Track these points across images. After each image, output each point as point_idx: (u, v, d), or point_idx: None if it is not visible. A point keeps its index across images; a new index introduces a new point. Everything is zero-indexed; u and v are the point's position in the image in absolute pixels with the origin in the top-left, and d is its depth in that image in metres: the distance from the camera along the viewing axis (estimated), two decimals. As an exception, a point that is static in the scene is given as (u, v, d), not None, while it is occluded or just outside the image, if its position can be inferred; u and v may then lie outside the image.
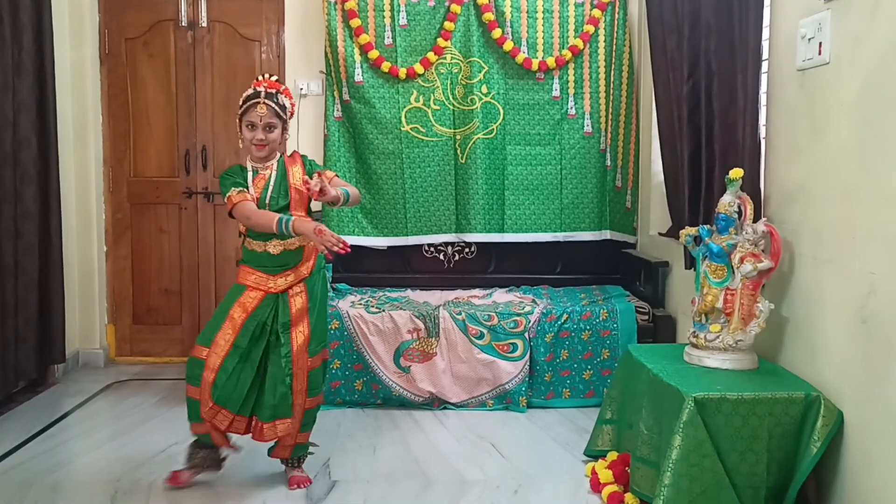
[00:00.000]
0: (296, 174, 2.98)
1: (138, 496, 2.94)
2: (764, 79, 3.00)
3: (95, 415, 3.96)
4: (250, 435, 3.01)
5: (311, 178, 2.82)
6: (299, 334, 2.94)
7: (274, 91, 2.93)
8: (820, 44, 2.55)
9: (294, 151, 3.11)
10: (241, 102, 2.95)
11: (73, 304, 4.65)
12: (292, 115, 3.04)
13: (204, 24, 4.83)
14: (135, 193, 4.94)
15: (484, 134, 4.66)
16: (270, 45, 4.86)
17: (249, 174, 2.96)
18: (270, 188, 2.93)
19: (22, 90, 4.03)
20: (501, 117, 4.67)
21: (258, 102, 2.88)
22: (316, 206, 3.32)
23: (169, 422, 3.81)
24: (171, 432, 3.63)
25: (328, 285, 3.09)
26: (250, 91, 2.95)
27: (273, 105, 2.89)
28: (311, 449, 3.15)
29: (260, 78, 2.98)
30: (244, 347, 2.91)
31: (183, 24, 4.83)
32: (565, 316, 4.03)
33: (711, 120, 3.33)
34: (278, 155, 3.01)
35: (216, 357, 2.88)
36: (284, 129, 2.98)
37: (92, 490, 3.00)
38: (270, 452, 3.08)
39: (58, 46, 4.36)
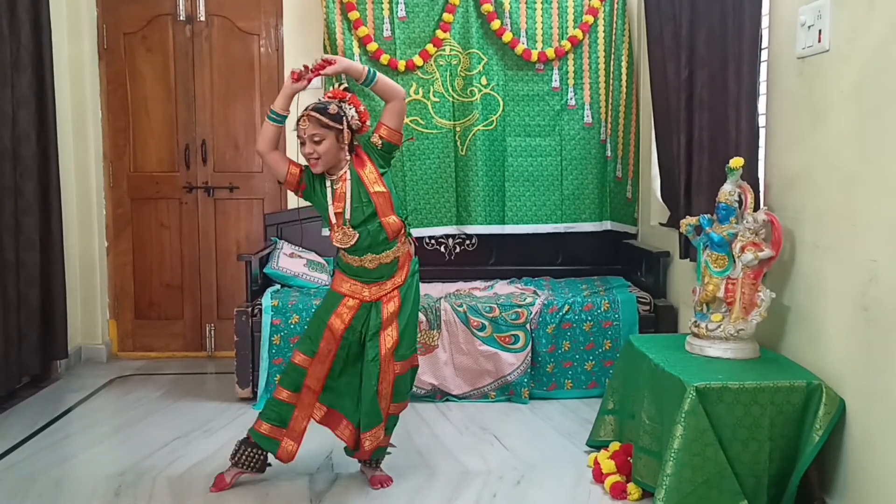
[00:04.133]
0: (369, 175, 2.84)
1: (142, 490, 2.95)
2: (764, 67, 3.00)
3: (98, 410, 3.97)
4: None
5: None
6: (388, 338, 2.87)
7: (325, 102, 2.81)
8: (819, 31, 2.54)
9: (356, 147, 2.89)
10: None
11: (74, 299, 4.66)
12: (363, 122, 2.87)
13: (202, 18, 4.82)
14: (135, 188, 4.94)
15: (484, 126, 4.65)
16: (269, 39, 4.85)
17: (328, 189, 2.85)
18: (349, 202, 2.81)
19: (21, 85, 4.03)
20: (501, 109, 4.66)
21: (301, 116, 2.79)
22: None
23: (172, 416, 3.82)
24: (174, 427, 3.64)
25: (420, 290, 3.05)
26: None
27: (317, 115, 2.76)
28: (389, 449, 3.09)
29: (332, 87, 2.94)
30: (345, 357, 2.90)
31: (181, 18, 4.82)
32: (567, 307, 4.03)
33: (709, 109, 3.33)
34: (347, 161, 2.85)
35: (321, 367, 2.88)
36: (340, 138, 2.79)
37: (96, 484, 3.01)
38: (351, 453, 3.04)
39: (56, 41, 4.35)
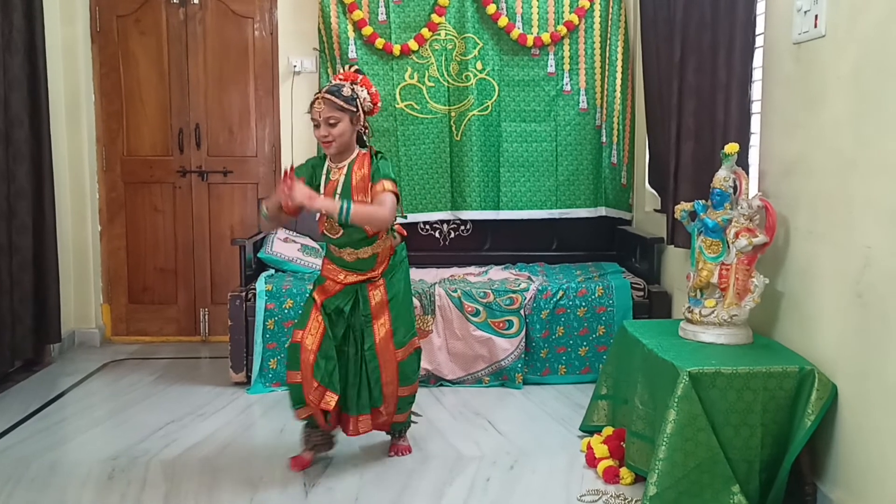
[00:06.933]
0: (359, 184, 2.82)
1: (136, 474, 2.95)
2: (759, 53, 2.99)
3: (92, 394, 3.96)
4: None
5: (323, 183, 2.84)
6: (381, 327, 2.92)
7: (337, 84, 2.80)
8: (816, 17, 2.53)
9: (367, 149, 2.90)
10: None
11: (68, 283, 4.64)
12: (375, 104, 2.87)
13: (196, 1, 4.78)
14: (129, 172, 4.91)
15: (479, 111, 4.63)
16: (263, 22, 4.81)
17: (323, 175, 2.87)
18: (337, 198, 2.80)
19: (13, 68, 3.99)
20: (496, 94, 4.64)
21: (316, 98, 2.78)
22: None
23: (165, 400, 3.82)
24: (168, 410, 3.64)
25: (409, 274, 3.09)
26: None
27: (332, 98, 2.75)
28: (413, 418, 3.23)
29: (340, 71, 2.90)
30: (331, 330, 2.90)
31: (174, 0, 4.78)
32: (561, 293, 4.03)
33: (696, 94, 3.32)
34: (353, 154, 2.86)
35: (312, 338, 2.88)
36: (355, 121, 2.81)
37: (89, 467, 3.01)
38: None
39: (48, 24, 4.32)
